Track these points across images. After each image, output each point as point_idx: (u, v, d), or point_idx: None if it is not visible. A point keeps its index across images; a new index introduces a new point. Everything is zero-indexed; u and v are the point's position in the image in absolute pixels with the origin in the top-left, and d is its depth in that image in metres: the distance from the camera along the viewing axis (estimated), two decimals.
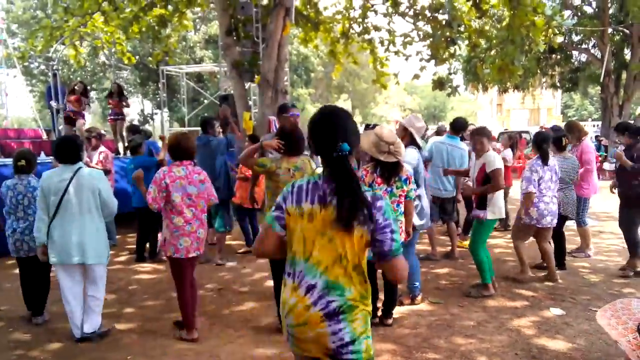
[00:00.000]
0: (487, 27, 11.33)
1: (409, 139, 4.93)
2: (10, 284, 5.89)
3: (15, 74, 22.30)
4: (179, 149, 4.19)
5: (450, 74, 10.48)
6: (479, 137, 5.20)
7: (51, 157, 7.20)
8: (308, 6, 11.95)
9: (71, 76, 26.40)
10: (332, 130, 2.05)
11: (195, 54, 27.08)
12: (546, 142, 5.58)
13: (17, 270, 4.94)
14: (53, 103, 11.29)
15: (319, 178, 2.06)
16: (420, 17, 10.92)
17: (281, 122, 5.10)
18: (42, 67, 29.70)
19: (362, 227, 1.96)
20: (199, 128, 7.03)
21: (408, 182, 4.20)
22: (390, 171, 4.11)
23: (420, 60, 11.00)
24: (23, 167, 4.57)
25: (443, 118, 60.06)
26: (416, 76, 11.06)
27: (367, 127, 12.03)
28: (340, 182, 1.98)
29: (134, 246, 7.38)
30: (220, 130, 7.07)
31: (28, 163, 4.60)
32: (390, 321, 4.46)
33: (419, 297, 4.99)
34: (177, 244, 4.10)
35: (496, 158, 5.09)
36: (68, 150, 4.11)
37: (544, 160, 5.47)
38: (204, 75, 26.52)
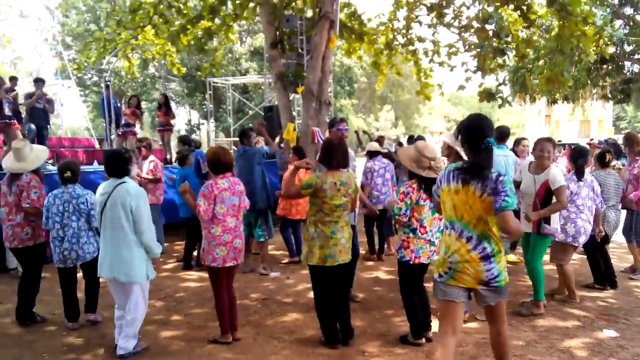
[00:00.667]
0: (535, 37, 11.09)
1: (454, 157, 4.85)
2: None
3: (70, 84, 23.30)
4: (220, 164, 4.31)
5: (499, 85, 10.27)
6: (546, 148, 4.90)
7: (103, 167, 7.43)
8: (352, 18, 12.02)
9: (122, 87, 27.35)
10: (481, 129, 2.99)
11: (241, 65, 27.58)
12: (582, 157, 5.36)
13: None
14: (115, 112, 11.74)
15: (461, 166, 3.03)
16: (466, 27, 10.81)
17: (331, 136, 5.11)
18: (95, 78, 30.90)
19: (490, 197, 2.89)
20: None
21: None
22: (432, 187, 4.04)
23: (466, 71, 10.86)
24: (69, 177, 4.73)
25: None
26: (461, 87, 10.92)
27: (411, 138, 11.99)
28: (478, 166, 2.94)
29: (181, 254, 7.55)
30: (257, 141, 7.22)
31: (73, 174, 4.75)
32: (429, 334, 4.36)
33: (467, 315, 4.89)
34: (214, 253, 4.21)
35: (560, 174, 4.86)
36: (114, 164, 4.20)
37: (579, 175, 5.28)
38: (248, 86, 26.98)
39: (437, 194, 3.20)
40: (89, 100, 31.13)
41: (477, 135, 2.97)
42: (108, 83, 12.22)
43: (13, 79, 10.03)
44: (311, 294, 5.62)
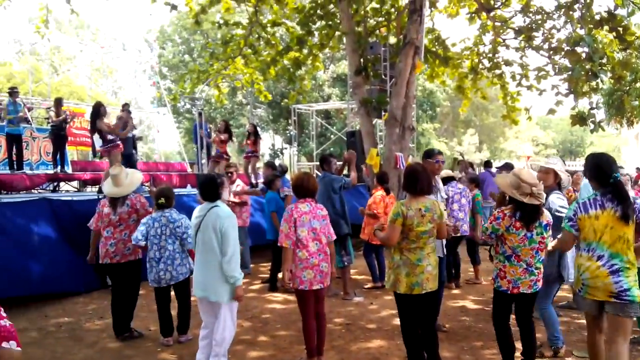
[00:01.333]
0: (632, 59, 10.52)
1: (554, 184, 4.68)
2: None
3: (165, 112, 24.87)
4: (302, 188, 4.48)
5: (592, 109, 9.80)
6: None
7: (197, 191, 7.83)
8: (436, 43, 11.99)
9: (211, 114, 28.73)
10: (609, 166, 3.62)
11: (324, 91, 28.17)
12: None
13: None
14: (207, 139, 12.40)
15: (596, 195, 3.61)
16: (556, 50, 10.45)
17: (428, 166, 5.03)
18: (187, 106, 32.71)
19: (635, 219, 3.50)
20: None
21: (548, 228, 3.99)
22: (530, 215, 3.91)
23: (557, 94, 10.46)
24: (163, 204, 5.06)
25: (581, 154, 55.98)
26: (552, 111, 10.50)
27: (487, 164, 11.55)
28: (619, 196, 3.52)
29: (267, 276, 7.77)
30: (338, 168, 7.32)
31: (167, 199, 5.08)
32: None
33: (562, 349, 4.65)
34: (301, 276, 4.32)
35: None
36: (208, 188, 4.40)
37: None
38: (330, 111, 27.46)
39: (574, 227, 3.67)
40: (181, 127, 32.95)
41: (605, 170, 3.59)
42: (201, 111, 12.95)
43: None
44: (395, 321, 5.61)
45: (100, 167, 13.09)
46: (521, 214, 3.92)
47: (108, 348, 5.12)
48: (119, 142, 9.07)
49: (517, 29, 10.91)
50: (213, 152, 12.36)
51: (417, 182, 4.05)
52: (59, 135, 10.83)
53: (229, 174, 8.23)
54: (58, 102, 11.13)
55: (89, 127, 11.15)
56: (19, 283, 6.30)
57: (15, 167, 10.14)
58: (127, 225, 5.27)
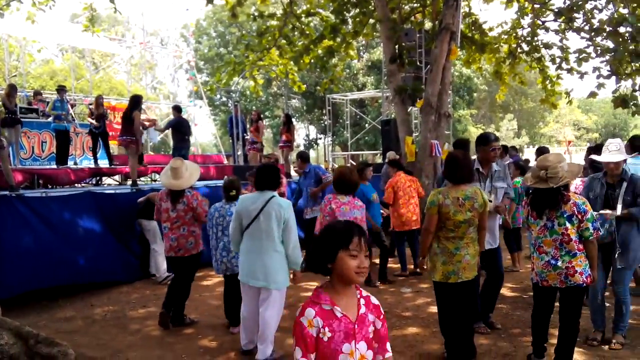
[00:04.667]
0: None
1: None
2: (203, 294, 6.63)
3: (201, 105, 25.25)
4: (344, 183, 4.48)
5: (635, 91, 9.47)
6: None
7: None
8: (472, 28, 11.78)
9: (247, 106, 29.03)
10: None
11: (358, 80, 28.03)
12: None
13: (210, 283, 5.51)
14: (247, 136, 12.58)
15: None
16: (597, 32, 10.12)
17: (480, 154, 4.84)
18: (223, 98, 33.13)
19: None
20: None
21: (574, 219, 3.70)
22: (542, 202, 3.76)
23: (598, 77, 10.15)
24: (234, 196, 5.11)
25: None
26: (593, 94, 10.20)
27: (505, 149, 11.24)
28: None
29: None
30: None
31: (238, 192, 5.15)
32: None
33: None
34: None
35: None
36: (267, 178, 4.39)
37: None
38: (365, 100, 27.32)
39: None
40: (217, 119, 33.40)
41: None
42: (237, 103, 13.10)
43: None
44: (431, 308, 5.61)
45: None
46: (531, 200, 3.86)
47: (151, 335, 5.27)
48: (135, 138, 9.08)
49: (556, 10, 10.62)
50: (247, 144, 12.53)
51: (457, 169, 3.99)
52: (98, 133, 11.19)
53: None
54: (97, 100, 11.47)
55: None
56: (66, 273, 6.56)
57: (60, 161, 10.51)
58: (184, 221, 5.34)
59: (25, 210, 6.44)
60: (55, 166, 10.60)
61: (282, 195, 8.07)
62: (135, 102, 9.24)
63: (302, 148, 34.03)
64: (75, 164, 11.96)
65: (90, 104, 12.35)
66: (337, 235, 1.97)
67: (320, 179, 8.07)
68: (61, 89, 11.04)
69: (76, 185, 10.11)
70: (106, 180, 12.07)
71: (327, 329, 1.94)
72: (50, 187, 9.66)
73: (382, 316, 2.09)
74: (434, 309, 4.71)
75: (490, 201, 4.53)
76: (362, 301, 2.05)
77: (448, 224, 3.93)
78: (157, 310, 5.72)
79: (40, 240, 6.41)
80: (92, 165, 11.38)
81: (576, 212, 3.69)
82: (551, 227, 3.76)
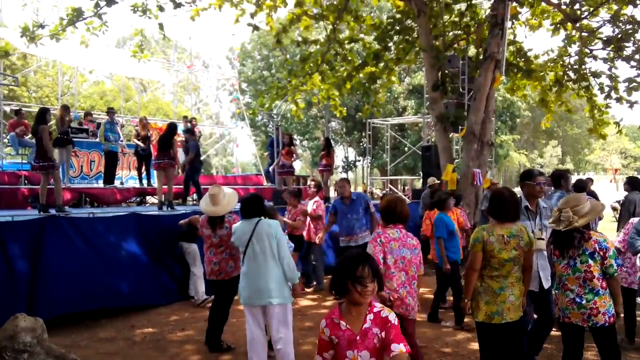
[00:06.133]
0: None
1: None
2: (240, 319, 6.63)
3: (243, 125, 25.68)
4: (394, 213, 4.16)
5: None
6: None
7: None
8: (517, 55, 11.64)
9: (287, 127, 29.37)
10: None
11: (399, 104, 27.99)
12: None
13: None
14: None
15: None
16: None
17: (526, 190, 4.72)
18: (264, 119, 33.61)
19: None
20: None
21: (596, 256, 3.72)
22: (559, 241, 3.82)
23: None
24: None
25: None
26: None
27: (577, 185, 10.95)
28: None
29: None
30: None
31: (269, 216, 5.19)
32: None
33: None
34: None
35: None
36: (252, 206, 4.64)
37: None
38: (405, 124, 27.22)
39: None
40: (258, 140, 33.84)
41: None
42: (278, 125, 13.27)
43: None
44: (472, 345, 5.44)
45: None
46: (552, 239, 3.91)
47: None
48: (173, 162, 9.18)
49: (605, 39, 10.40)
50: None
51: (502, 207, 3.88)
52: (142, 154, 11.51)
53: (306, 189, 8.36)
54: (142, 122, 11.83)
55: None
56: (108, 296, 6.66)
57: (108, 181, 10.84)
58: (227, 245, 5.41)
59: (71, 231, 6.63)
60: (102, 185, 10.94)
61: (319, 218, 8.16)
62: (173, 130, 9.52)
63: (340, 170, 34.09)
64: (122, 183, 12.31)
65: (136, 126, 12.75)
66: (344, 266, 2.54)
67: (369, 206, 7.82)
68: (110, 111, 11.44)
69: (122, 204, 10.39)
70: (150, 199, 12.36)
71: (334, 337, 2.57)
72: (96, 205, 9.95)
73: (388, 325, 2.52)
74: (475, 345, 4.56)
75: (542, 239, 4.43)
76: (370, 317, 2.55)
77: (492, 262, 3.82)
78: (195, 334, 5.77)
79: (85, 262, 6.56)
80: (137, 185, 11.69)
81: (598, 249, 3.74)
82: (574, 265, 3.81)
